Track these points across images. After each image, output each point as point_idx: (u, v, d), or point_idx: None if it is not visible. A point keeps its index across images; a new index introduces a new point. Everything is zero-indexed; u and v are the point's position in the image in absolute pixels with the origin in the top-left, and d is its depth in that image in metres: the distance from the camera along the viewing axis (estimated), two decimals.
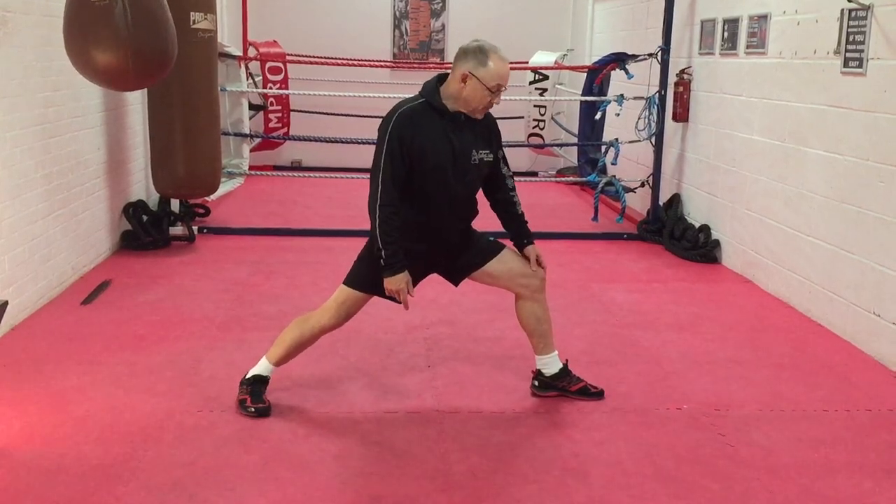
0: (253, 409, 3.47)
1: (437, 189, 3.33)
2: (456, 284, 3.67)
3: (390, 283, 3.29)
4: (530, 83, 9.35)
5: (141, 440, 3.23)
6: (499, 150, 3.55)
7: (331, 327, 3.50)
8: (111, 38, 3.98)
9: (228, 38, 8.81)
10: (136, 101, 6.45)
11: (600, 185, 7.36)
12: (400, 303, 3.35)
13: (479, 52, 3.25)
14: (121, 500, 2.82)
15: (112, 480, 2.94)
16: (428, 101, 3.31)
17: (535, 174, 10.07)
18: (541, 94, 9.23)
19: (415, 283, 3.44)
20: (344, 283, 3.47)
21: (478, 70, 3.23)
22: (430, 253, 3.45)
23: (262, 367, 3.57)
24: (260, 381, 3.55)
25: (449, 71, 3.36)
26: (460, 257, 3.54)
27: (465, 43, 3.32)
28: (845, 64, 4.61)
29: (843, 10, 4.59)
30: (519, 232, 3.62)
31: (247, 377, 3.57)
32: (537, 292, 3.59)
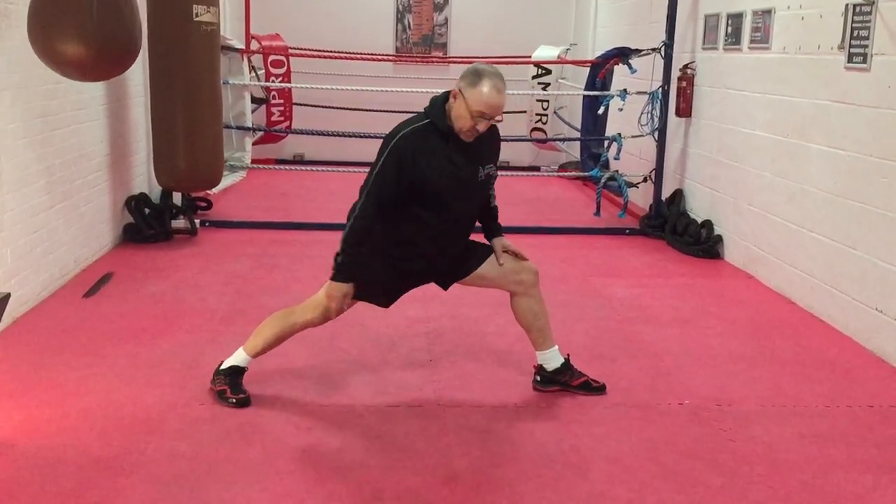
0: (234, 400, 3.48)
1: (442, 210, 3.33)
2: (445, 289, 3.65)
3: (332, 287, 3.30)
4: (533, 77, 9.34)
5: (143, 433, 3.24)
6: (497, 158, 3.53)
7: (314, 324, 3.51)
8: (74, 29, 3.95)
9: (231, 32, 8.80)
10: (138, 94, 6.45)
11: (603, 180, 7.36)
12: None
13: (475, 74, 3.17)
14: (122, 492, 2.83)
15: (114, 473, 2.94)
16: (433, 121, 3.24)
17: (537, 169, 10.05)
18: (543, 89, 9.22)
19: (410, 288, 3.54)
20: (331, 281, 3.45)
21: (467, 90, 3.16)
22: (431, 264, 3.47)
23: (238, 357, 3.56)
24: (237, 373, 3.55)
25: None
26: (453, 264, 3.54)
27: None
28: (849, 59, 4.60)
29: (847, 6, 4.58)
30: (488, 224, 3.61)
31: (222, 368, 3.57)
32: (531, 287, 3.59)
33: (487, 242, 3.61)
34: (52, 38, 4.00)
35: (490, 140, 3.40)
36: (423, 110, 3.32)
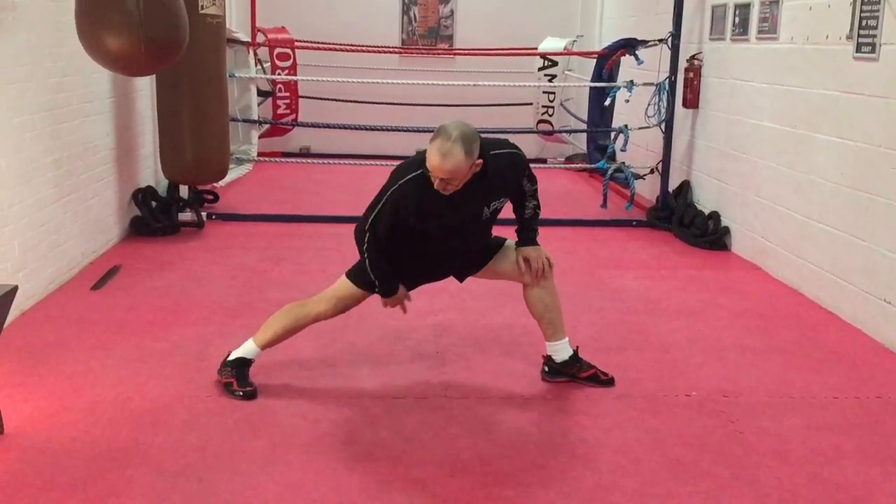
0: (241, 393, 3.48)
1: (444, 240, 3.40)
2: (461, 281, 3.70)
3: (388, 301, 3.44)
4: (539, 69, 9.30)
5: (150, 424, 3.25)
6: (522, 180, 3.45)
7: (325, 317, 3.54)
8: (123, 24, 4.00)
9: (237, 24, 8.79)
10: (144, 87, 6.45)
11: (609, 172, 7.34)
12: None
13: (436, 131, 3.08)
14: (130, 483, 2.84)
15: (122, 464, 2.95)
16: (424, 171, 3.14)
17: (543, 161, 10.02)
18: (550, 81, 9.18)
19: (424, 283, 3.59)
20: (347, 276, 3.48)
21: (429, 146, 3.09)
22: (442, 267, 3.54)
23: (247, 349, 3.57)
24: (244, 364, 3.56)
25: None
26: (467, 259, 3.57)
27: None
28: (857, 49, 4.57)
29: None
30: (518, 229, 3.61)
31: (229, 359, 3.57)
32: (545, 279, 3.59)
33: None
34: (99, 33, 4.03)
35: (499, 176, 3.28)
36: (417, 155, 3.26)
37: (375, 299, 3.58)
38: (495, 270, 3.57)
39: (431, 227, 3.31)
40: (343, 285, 3.48)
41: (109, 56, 4.10)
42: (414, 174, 3.18)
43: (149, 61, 4.20)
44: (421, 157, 3.17)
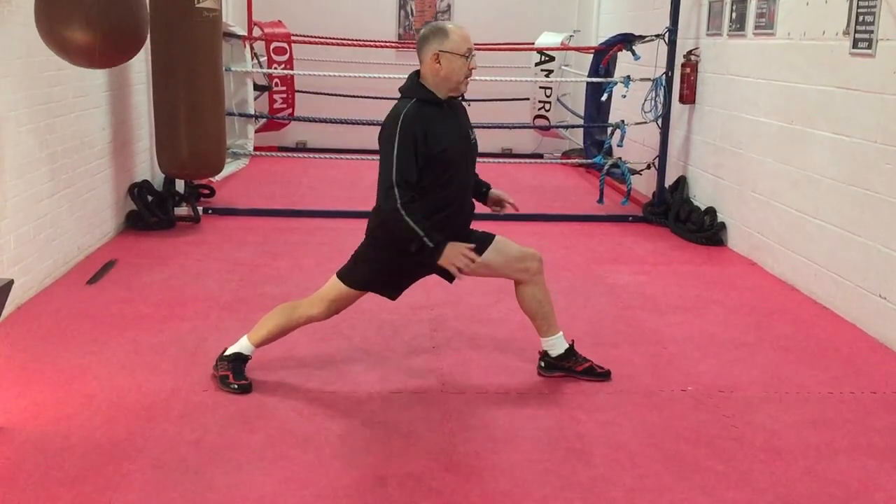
0: (236, 386, 3.50)
1: (451, 179, 3.35)
2: (451, 281, 3.63)
3: (447, 259, 3.24)
4: (536, 64, 9.30)
5: (147, 418, 3.25)
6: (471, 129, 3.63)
7: (318, 319, 3.55)
8: (80, 15, 3.96)
9: (233, 18, 8.77)
10: (140, 81, 6.44)
11: (606, 167, 7.33)
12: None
13: (439, 30, 3.30)
14: (127, 477, 2.84)
15: (118, 458, 2.95)
16: (419, 98, 3.31)
17: (540, 156, 10.03)
18: (547, 76, 9.18)
19: (418, 278, 3.54)
20: (338, 277, 3.47)
21: (444, 45, 3.27)
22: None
23: (242, 346, 3.59)
24: (240, 360, 3.57)
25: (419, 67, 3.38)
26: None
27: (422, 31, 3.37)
28: (854, 45, 4.57)
29: None
30: (477, 187, 3.67)
31: (226, 354, 3.59)
32: (536, 275, 3.59)
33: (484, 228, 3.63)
34: (58, 25, 4.00)
35: (461, 107, 3.53)
36: (400, 98, 3.36)
37: (370, 297, 3.58)
38: (488, 265, 3.53)
39: (444, 147, 3.27)
40: (334, 286, 3.47)
41: (66, 48, 4.07)
42: (409, 103, 3.30)
43: (106, 53, 4.17)
44: (402, 102, 3.33)
